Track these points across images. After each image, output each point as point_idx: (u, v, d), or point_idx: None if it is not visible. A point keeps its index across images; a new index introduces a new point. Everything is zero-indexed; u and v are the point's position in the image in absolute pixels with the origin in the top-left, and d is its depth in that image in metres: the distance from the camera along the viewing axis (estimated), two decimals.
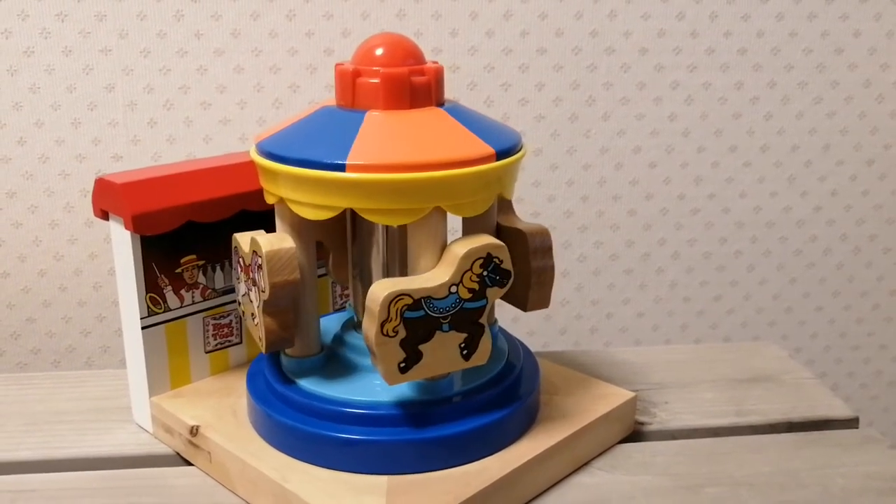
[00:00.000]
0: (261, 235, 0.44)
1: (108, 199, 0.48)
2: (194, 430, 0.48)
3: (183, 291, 0.50)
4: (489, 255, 0.42)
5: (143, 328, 0.49)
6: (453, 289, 0.42)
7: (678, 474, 0.48)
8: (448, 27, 0.70)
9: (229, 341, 0.54)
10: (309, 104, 0.71)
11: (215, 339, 0.53)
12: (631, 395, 0.52)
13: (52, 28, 0.66)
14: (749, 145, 0.77)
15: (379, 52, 0.44)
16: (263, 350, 0.45)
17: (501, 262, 0.43)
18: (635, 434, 0.52)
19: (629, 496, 0.46)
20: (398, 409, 0.44)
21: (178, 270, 0.50)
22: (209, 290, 0.52)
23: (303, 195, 0.42)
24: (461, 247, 0.42)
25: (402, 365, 0.42)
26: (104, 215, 0.49)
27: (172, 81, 0.69)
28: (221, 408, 0.50)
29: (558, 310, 0.80)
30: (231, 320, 0.53)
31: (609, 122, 0.75)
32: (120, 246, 0.49)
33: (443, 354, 0.43)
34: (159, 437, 0.51)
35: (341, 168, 0.41)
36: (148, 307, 0.49)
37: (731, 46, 0.74)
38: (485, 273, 0.43)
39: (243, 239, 0.46)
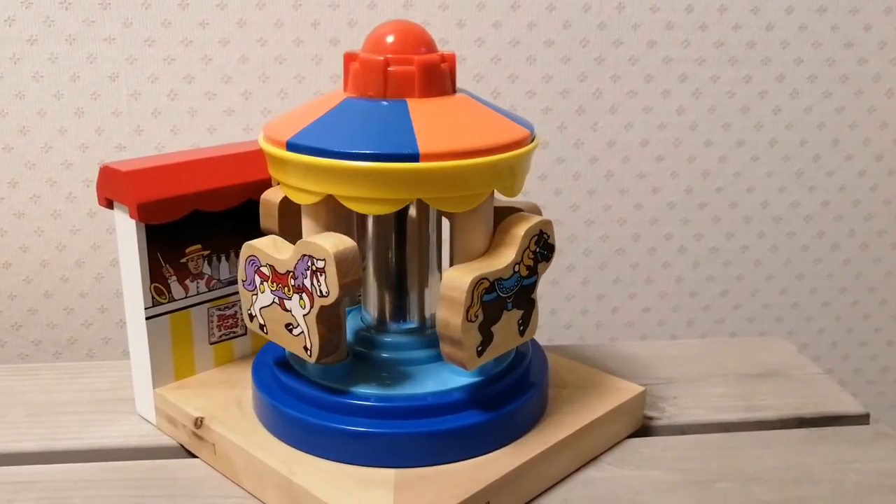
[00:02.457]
0: (317, 238, 0.41)
1: (113, 187, 0.47)
2: (199, 422, 0.47)
3: (188, 281, 0.50)
4: (541, 231, 0.44)
5: (147, 318, 0.49)
6: (516, 268, 0.43)
7: (688, 469, 0.48)
8: (455, 18, 0.70)
9: (234, 332, 0.53)
10: (315, 95, 0.70)
11: (220, 330, 0.52)
12: (640, 389, 0.51)
13: (56, 16, 0.66)
14: (757, 139, 0.77)
15: (393, 39, 0.43)
16: (314, 360, 0.43)
17: (549, 237, 0.44)
18: (644, 429, 0.52)
19: (639, 491, 0.46)
20: (406, 401, 0.44)
21: (184, 260, 0.49)
22: (214, 281, 0.51)
23: (366, 191, 0.40)
24: (519, 227, 0.43)
25: (480, 349, 0.42)
26: (108, 204, 0.48)
27: (177, 71, 0.68)
28: (226, 399, 0.49)
29: (564, 304, 0.80)
30: (236, 311, 0.52)
31: (616, 115, 0.74)
32: (124, 235, 0.48)
33: (507, 333, 0.44)
34: (163, 428, 0.50)
35: (414, 158, 0.39)
36: (152, 297, 0.49)
37: (740, 40, 0.73)
38: (537, 249, 0.44)
39: (268, 245, 0.44)
